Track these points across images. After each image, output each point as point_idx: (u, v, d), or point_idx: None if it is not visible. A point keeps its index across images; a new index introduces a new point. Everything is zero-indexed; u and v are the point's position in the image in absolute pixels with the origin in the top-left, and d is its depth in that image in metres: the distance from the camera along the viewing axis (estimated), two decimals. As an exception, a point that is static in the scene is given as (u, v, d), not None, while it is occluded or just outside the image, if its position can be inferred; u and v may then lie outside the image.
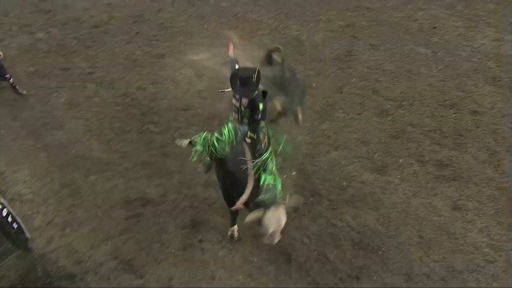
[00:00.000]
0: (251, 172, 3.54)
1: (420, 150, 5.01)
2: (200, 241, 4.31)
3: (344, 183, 4.71)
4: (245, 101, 3.46)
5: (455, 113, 5.43)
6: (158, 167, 4.88)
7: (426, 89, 5.77)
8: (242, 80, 3.39)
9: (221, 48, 6.46)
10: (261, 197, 3.46)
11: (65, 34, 6.82)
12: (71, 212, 4.57)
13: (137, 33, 6.87)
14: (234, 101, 3.54)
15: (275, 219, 3.42)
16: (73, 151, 5.11)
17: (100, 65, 6.27)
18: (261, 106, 3.47)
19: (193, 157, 3.82)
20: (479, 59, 6.18)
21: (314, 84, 5.86)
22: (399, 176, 4.75)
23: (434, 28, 6.78)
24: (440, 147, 5.02)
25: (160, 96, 5.76)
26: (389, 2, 7.33)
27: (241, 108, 3.50)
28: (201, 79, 6.03)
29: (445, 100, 5.61)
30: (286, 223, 3.50)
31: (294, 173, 4.80)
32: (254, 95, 3.45)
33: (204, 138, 3.80)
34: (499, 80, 5.82)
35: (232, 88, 3.49)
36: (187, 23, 7.08)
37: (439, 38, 6.59)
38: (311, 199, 4.55)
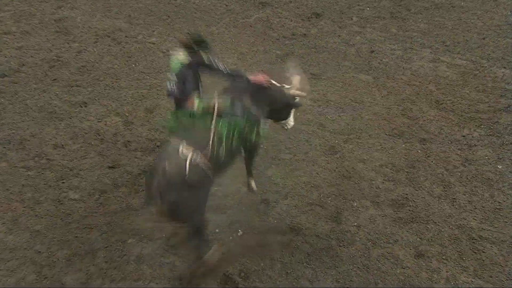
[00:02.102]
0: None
1: (374, 189, 4.53)
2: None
3: (298, 239, 4.11)
4: None
5: (404, 143, 5.05)
6: (79, 245, 3.99)
7: (372, 119, 5.37)
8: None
9: (149, 90, 5.79)
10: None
11: (-36, 88, 5.76)
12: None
13: (54, 80, 5.94)
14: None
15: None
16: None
17: (8, 121, 5.27)
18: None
19: None
20: (419, 82, 5.91)
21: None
22: (355, 223, 4.23)
23: (372, 52, 6.48)
24: (394, 184, 4.58)
25: (81, 153, 4.87)
26: (325, 28, 6.98)
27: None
28: (130, 128, 5.24)
29: (393, 129, 5.23)
30: None
31: (240, 233, 4.14)
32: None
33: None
34: (442, 103, 5.56)
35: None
36: (112, 64, 6.27)
37: (378, 63, 6.28)
38: (261, 264, 3.90)
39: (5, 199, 4.38)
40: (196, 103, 3.79)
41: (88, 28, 6.90)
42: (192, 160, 3.37)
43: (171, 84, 3.91)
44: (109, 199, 4.40)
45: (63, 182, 4.57)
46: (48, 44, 6.60)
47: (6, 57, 6.31)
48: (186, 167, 3.32)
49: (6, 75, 5.99)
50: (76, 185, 4.54)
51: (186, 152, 3.40)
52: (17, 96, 5.66)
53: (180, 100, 3.93)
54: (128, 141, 5.05)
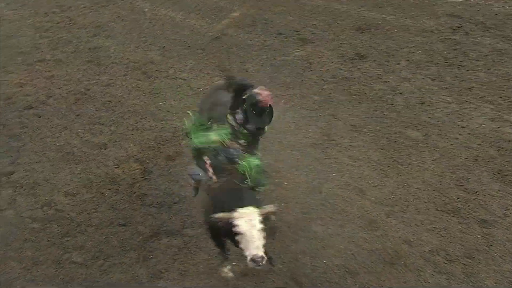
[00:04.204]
0: None
1: (422, 284, 3.65)
2: None
3: None
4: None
5: (460, 224, 4.13)
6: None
7: (421, 188, 4.47)
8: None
9: (173, 134, 5.20)
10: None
11: (-11, 119, 5.42)
12: None
13: (77, 115, 5.48)
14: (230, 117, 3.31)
15: (247, 219, 2.87)
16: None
17: (25, 161, 4.81)
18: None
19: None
20: (478, 145, 4.95)
21: (285, 183, 4.55)
22: (398, 330, 3.39)
23: (422, 103, 5.58)
24: (447, 279, 3.67)
25: (92, 205, 4.31)
26: (369, 71, 6.17)
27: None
28: (148, 178, 4.65)
29: (446, 204, 4.30)
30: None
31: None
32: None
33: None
34: (507, 175, 4.57)
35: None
36: (139, 100, 5.76)
37: (430, 117, 5.37)
38: None
39: (3, 256, 3.86)
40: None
41: (120, 59, 6.46)
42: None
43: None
44: (114, 266, 3.77)
45: (68, 240, 4.01)
46: (79, 74, 6.20)
47: (35, 87, 5.95)
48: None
49: (32, 107, 5.64)
50: (81, 244, 3.96)
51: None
52: (38, 132, 5.23)
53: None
54: (144, 194, 4.43)
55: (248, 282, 3.67)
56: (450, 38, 6.66)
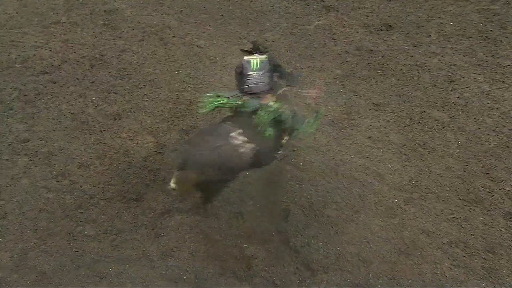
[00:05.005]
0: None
1: (438, 277, 3.43)
2: None
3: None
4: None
5: (483, 215, 3.82)
6: (85, 299, 3.36)
7: (443, 175, 4.13)
8: None
9: (188, 106, 4.91)
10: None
11: (5, 82, 5.21)
12: None
13: (92, 82, 5.23)
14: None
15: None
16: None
17: (40, 129, 4.65)
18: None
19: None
20: (510, 130, 4.52)
21: (301, 164, 4.27)
22: (410, 324, 3.22)
23: (450, 82, 5.08)
24: (465, 273, 3.44)
25: (106, 178, 4.17)
26: (396, 44, 5.62)
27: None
28: (162, 151, 4.44)
29: (469, 193, 3.98)
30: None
31: None
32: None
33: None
34: (538, 164, 4.20)
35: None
36: (155, 68, 5.43)
37: (458, 97, 4.90)
38: None
39: (19, 225, 3.80)
40: (270, 102, 3.62)
41: (136, 23, 6.05)
42: (245, 150, 3.34)
43: (255, 79, 3.66)
44: (126, 242, 3.67)
45: (81, 212, 3.90)
46: (94, 39, 5.86)
47: (50, 50, 5.67)
48: (241, 154, 3.34)
49: (47, 72, 5.39)
50: (94, 218, 3.86)
51: (242, 141, 3.36)
52: (53, 99, 5.02)
53: (255, 95, 3.66)
54: (157, 169, 4.25)
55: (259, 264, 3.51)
56: (487, 9, 5.95)
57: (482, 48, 5.44)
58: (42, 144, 4.49)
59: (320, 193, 3.99)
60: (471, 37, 5.60)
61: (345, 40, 5.72)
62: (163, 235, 3.69)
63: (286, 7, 6.25)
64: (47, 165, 4.28)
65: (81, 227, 3.79)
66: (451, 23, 5.82)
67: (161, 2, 6.41)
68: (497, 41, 5.51)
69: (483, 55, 5.33)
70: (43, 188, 4.07)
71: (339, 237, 3.68)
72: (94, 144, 4.48)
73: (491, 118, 4.61)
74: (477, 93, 4.90)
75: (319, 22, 6.02)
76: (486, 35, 5.61)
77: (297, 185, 4.01)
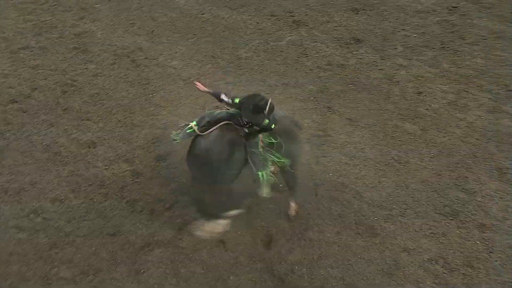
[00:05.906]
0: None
1: (421, 296, 3.27)
2: None
3: None
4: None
5: (459, 228, 3.67)
6: None
7: (420, 189, 3.96)
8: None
9: (164, 131, 4.55)
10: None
11: (-30, 115, 4.69)
12: None
13: (64, 109, 4.76)
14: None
15: None
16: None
17: (10, 163, 4.17)
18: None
19: None
20: (477, 139, 4.39)
21: (281, 185, 4.00)
22: None
23: (419, 94, 4.93)
24: (446, 291, 3.29)
25: (81, 212, 3.76)
26: (365, 58, 5.43)
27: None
28: (138, 181, 4.05)
29: (445, 206, 3.81)
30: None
31: None
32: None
33: None
34: (505, 173, 4.08)
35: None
36: (128, 92, 5.02)
37: (427, 109, 4.75)
38: None
39: (-12, 273, 3.37)
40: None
41: (107, 46, 5.61)
42: None
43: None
44: (104, 282, 3.29)
45: (56, 252, 3.48)
46: (65, 63, 5.37)
47: (19, 78, 5.17)
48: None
49: (16, 101, 4.90)
50: (69, 257, 3.45)
51: None
52: (24, 129, 4.53)
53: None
54: (135, 200, 3.87)
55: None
56: (446, 20, 5.87)
57: (445, 59, 5.33)
58: (12, 179, 4.03)
59: (301, 215, 3.74)
60: (434, 48, 5.49)
61: (317, 55, 5.50)
62: (143, 272, 3.35)
63: (257, 23, 5.97)
64: (18, 202, 3.83)
65: (56, 268, 3.38)
66: (415, 35, 5.70)
67: (131, 22, 6.01)
68: (458, 51, 5.42)
69: (447, 66, 5.23)
70: (13, 228, 3.63)
71: (323, 261, 3.44)
72: (67, 176, 4.06)
73: (459, 128, 4.49)
74: (444, 104, 4.78)
75: (290, 37, 5.78)
76: (448, 46, 5.51)
77: (277, 208, 3.74)
